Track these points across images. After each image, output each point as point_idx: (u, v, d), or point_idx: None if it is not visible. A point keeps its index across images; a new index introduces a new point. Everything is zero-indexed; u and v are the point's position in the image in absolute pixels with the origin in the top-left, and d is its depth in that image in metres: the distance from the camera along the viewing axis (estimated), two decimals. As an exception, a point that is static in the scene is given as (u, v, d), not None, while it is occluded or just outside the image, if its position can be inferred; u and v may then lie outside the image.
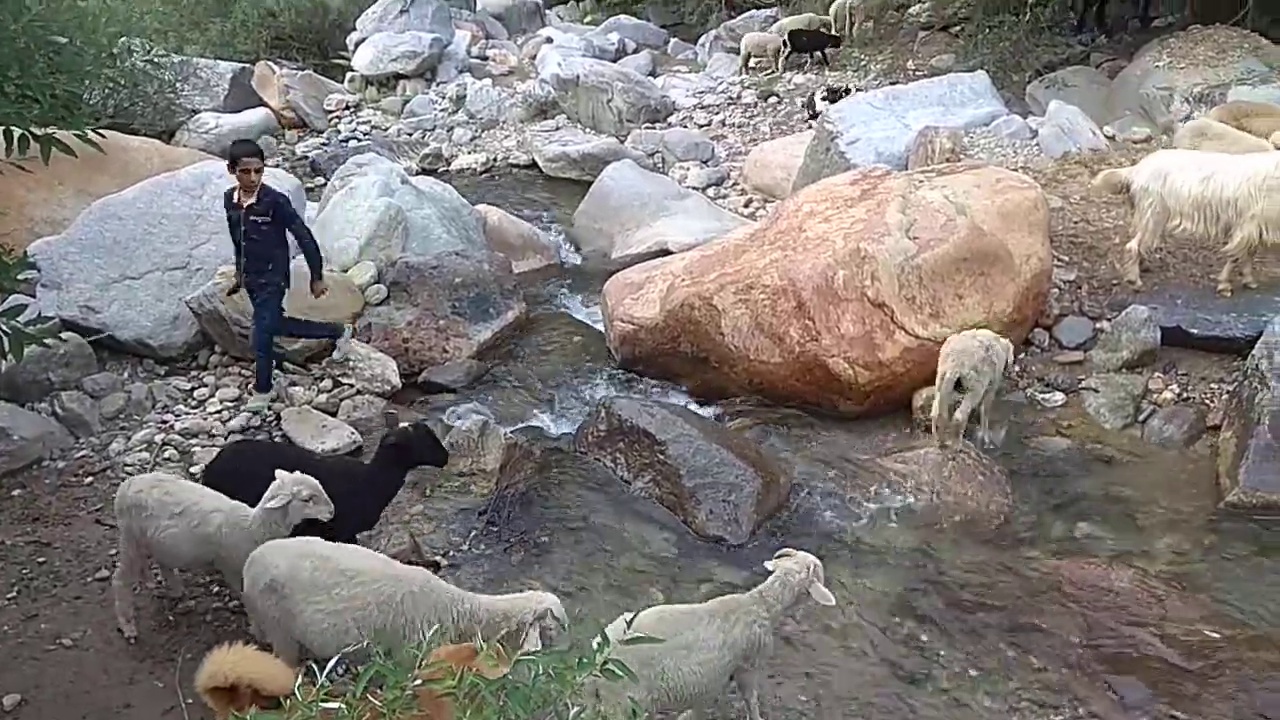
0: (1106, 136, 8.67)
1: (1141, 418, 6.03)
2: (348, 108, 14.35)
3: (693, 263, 7.27)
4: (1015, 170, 7.62)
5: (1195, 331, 6.28)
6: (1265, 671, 4.22)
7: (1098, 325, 6.61)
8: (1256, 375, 5.51)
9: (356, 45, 15.40)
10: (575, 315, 8.25)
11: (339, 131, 13.64)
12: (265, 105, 13.69)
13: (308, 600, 3.67)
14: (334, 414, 6.50)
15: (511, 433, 6.05)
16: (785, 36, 14.01)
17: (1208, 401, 6.01)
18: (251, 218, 6.09)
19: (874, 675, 4.30)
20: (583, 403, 6.80)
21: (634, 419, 5.86)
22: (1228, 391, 5.91)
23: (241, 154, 6.08)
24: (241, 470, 4.59)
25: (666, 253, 8.54)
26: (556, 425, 6.55)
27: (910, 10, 14.07)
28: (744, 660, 3.68)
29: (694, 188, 10.72)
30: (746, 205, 10.36)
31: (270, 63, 14.68)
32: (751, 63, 14.17)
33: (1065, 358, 6.51)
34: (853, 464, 5.94)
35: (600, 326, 7.69)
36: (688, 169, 11.38)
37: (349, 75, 15.07)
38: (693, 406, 6.67)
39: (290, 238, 6.36)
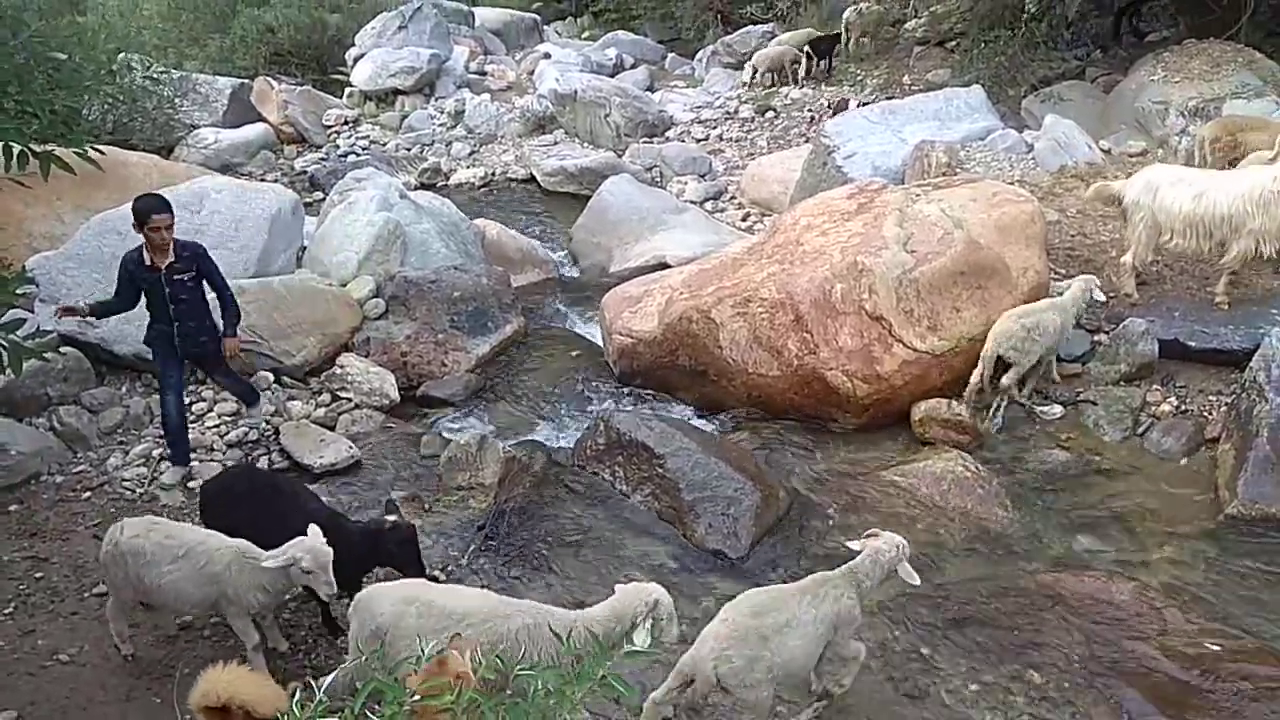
0: (1102, 150, 8.71)
1: (1140, 430, 6.03)
2: (346, 123, 14.40)
3: (691, 276, 7.29)
4: (1011, 184, 7.65)
5: (1193, 344, 6.29)
6: (1266, 685, 4.20)
7: (1095, 338, 6.62)
8: (1254, 388, 5.52)
9: (355, 61, 15.47)
10: (574, 329, 8.26)
11: (338, 146, 13.69)
12: (264, 120, 13.75)
13: (412, 647, 3.38)
14: (332, 428, 6.50)
15: (510, 446, 6.04)
16: (808, 47, 14.01)
17: (1206, 414, 6.01)
18: (176, 277, 5.53)
19: (874, 689, 4.28)
20: (581, 416, 6.79)
21: (633, 432, 5.86)
22: (1226, 404, 5.92)
23: (150, 210, 5.39)
24: (234, 501, 4.53)
25: (664, 266, 8.56)
26: (555, 439, 6.54)
27: (906, 25, 14.15)
28: (834, 632, 3.82)
29: (692, 202, 10.75)
30: (744, 219, 10.39)
31: (269, 78, 14.74)
32: (760, 78, 14.23)
33: (1063, 370, 6.52)
34: (852, 478, 5.93)
35: (599, 340, 7.70)
36: (685, 183, 11.42)
37: (348, 90, 15.13)
38: (692, 420, 6.67)
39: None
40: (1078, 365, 6.51)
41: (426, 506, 5.64)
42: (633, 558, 5.25)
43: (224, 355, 5.87)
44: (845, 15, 14.24)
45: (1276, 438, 5.28)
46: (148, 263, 5.50)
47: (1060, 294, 6.34)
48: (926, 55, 13.12)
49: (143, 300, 5.61)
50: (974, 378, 6.11)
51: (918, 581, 3.95)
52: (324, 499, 5.69)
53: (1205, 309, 6.52)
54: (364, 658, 3.60)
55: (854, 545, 3.99)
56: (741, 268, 7.04)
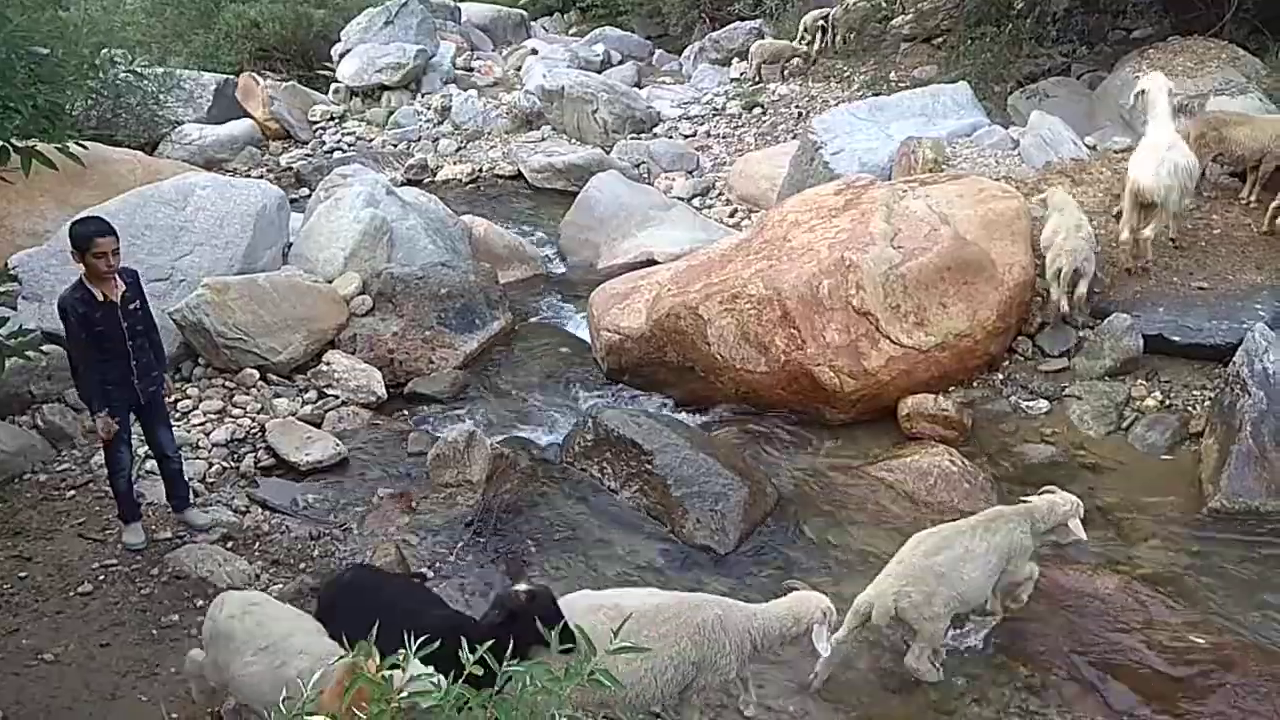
0: (1088, 147, 8.73)
1: (1125, 425, 6.07)
2: (332, 119, 14.33)
3: (678, 273, 7.29)
4: (997, 180, 7.67)
5: (1177, 339, 6.34)
6: (1250, 678, 4.25)
7: (1081, 333, 6.65)
8: (1238, 382, 5.56)
9: (341, 56, 15.37)
10: (562, 325, 8.26)
11: (323, 142, 13.63)
12: (249, 116, 13.67)
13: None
14: (319, 425, 6.47)
15: (498, 443, 6.03)
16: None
17: (1190, 408, 6.06)
18: (130, 307, 4.75)
19: (861, 684, 4.30)
20: (569, 413, 6.79)
21: (620, 429, 5.86)
22: (1210, 398, 5.96)
23: (94, 233, 4.58)
24: (354, 603, 3.83)
25: (652, 263, 8.55)
26: (543, 435, 6.54)
27: (893, 22, 14.15)
28: (1007, 561, 4.27)
29: (679, 198, 10.74)
30: (732, 215, 10.39)
31: (254, 74, 14.64)
32: (756, 71, 14.23)
33: (1049, 366, 6.55)
34: (839, 472, 5.96)
35: (586, 336, 7.69)
36: (673, 179, 11.41)
37: (333, 86, 15.05)
38: (680, 416, 6.68)
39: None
40: (1063, 360, 6.54)
41: (414, 504, 5.63)
42: (621, 553, 5.25)
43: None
44: (832, 12, 14.25)
45: (1259, 432, 5.33)
46: (99, 298, 4.65)
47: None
48: (913, 52, 13.13)
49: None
50: (1063, 306, 6.49)
51: (1084, 537, 4.43)
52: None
53: (1189, 304, 6.57)
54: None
55: (1031, 498, 4.49)
56: (729, 264, 7.04)
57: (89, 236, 4.59)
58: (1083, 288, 6.46)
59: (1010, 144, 8.85)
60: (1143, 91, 6.90)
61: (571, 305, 8.54)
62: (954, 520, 4.54)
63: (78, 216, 5.10)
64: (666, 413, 6.71)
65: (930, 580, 4.11)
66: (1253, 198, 7.40)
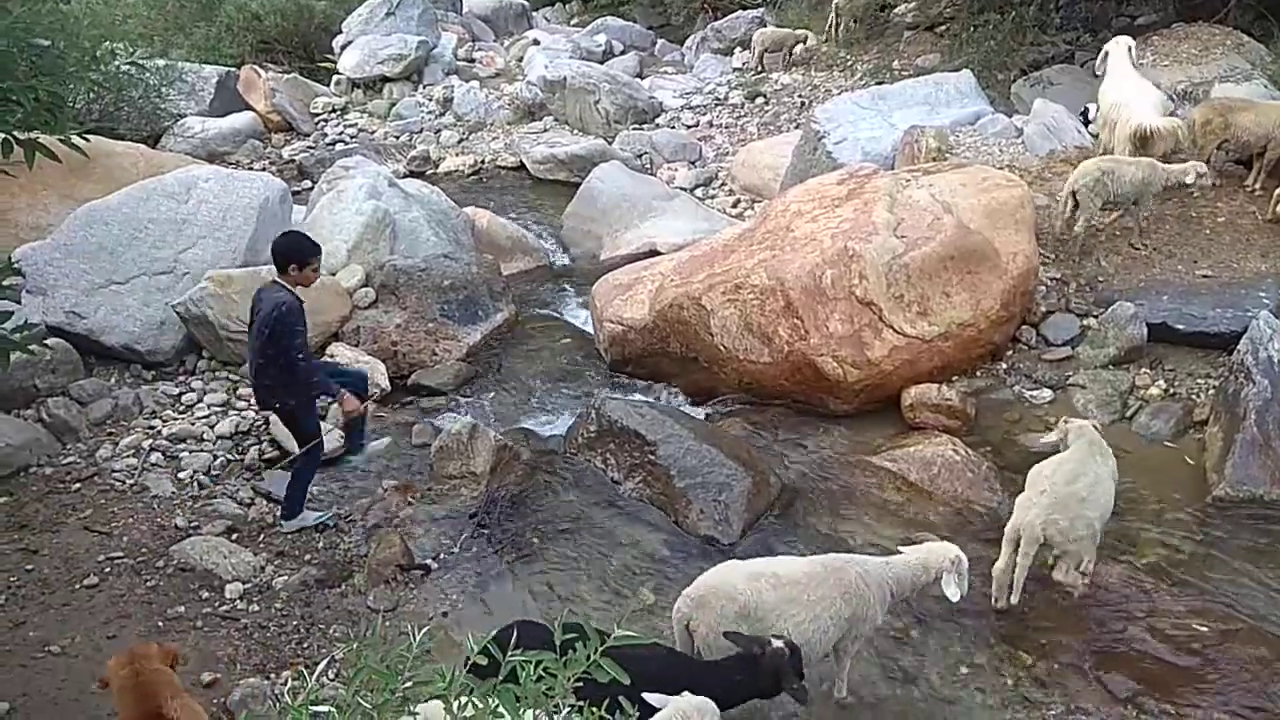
0: (1092, 135, 8.69)
1: (1129, 414, 6.06)
2: (334, 111, 14.29)
3: (681, 263, 7.28)
4: (1001, 169, 7.64)
5: (1181, 328, 6.32)
6: (1252, 666, 4.25)
7: (1084, 322, 6.64)
8: (1242, 370, 5.55)
9: (342, 48, 15.34)
10: (565, 317, 8.25)
11: (325, 135, 13.59)
12: (251, 109, 13.64)
13: (783, 617, 3.77)
14: (323, 418, 6.46)
15: (501, 435, 6.03)
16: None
17: (1194, 397, 6.04)
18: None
19: (866, 672, 4.31)
20: (573, 404, 6.79)
21: (624, 420, 5.86)
22: (1214, 387, 5.94)
23: (317, 251, 5.11)
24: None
25: (655, 254, 8.54)
26: (546, 427, 6.54)
27: (896, 10, 14.07)
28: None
29: (682, 188, 10.72)
30: (735, 205, 10.36)
31: (256, 66, 14.61)
32: (760, 59, 14.17)
33: (1053, 355, 6.53)
34: (843, 463, 5.96)
35: (589, 328, 7.69)
36: (676, 170, 11.38)
37: (335, 78, 15.02)
38: (683, 406, 6.68)
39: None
40: (1067, 349, 6.53)
41: (418, 495, 5.64)
42: (625, 544, 5.26)
43: None
44: (835, 1, 14.18)
45: (1264, 420, 5.32)
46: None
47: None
48: (916, 40, 13.07)
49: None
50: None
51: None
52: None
53: (1193, 292, 6.55)
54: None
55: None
56: (732, 254, 7.03)
57: (315, 253, 5.09)
58: (1079, 223, 6.61)
59: (1014, 132, 8.82)
60: (1106, 53, 8.06)
61: (574, 296, 8.53)
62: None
63: (289, 231, 5.50)
64: (670, 403, 6.71)
65: (1074, 505, 4.44)
66: (1257, 185, 7.37)
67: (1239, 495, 5.26)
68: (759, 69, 14.09)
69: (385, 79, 14.66)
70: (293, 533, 5.39)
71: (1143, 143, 7.31)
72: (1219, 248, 6.98)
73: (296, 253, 5.00)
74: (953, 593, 3.98)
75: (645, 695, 3.00)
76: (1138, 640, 4.40)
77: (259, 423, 6.38)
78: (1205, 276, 6.71)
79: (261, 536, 5.41)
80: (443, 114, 13.89)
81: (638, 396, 6.80)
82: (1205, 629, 4.45)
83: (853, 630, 3.93)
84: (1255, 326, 5.64)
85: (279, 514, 5.48)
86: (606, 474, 5.83)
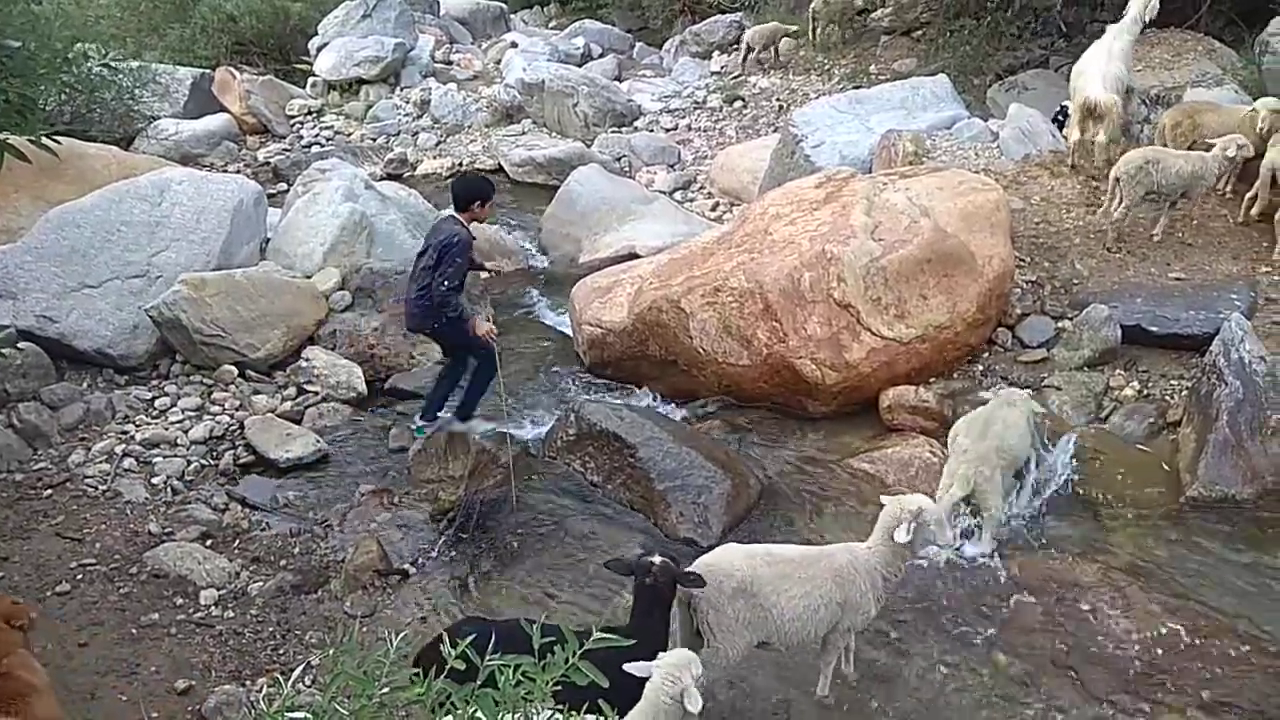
0: (1065, 137, 8.78)
1: (1103, 415, 6.11)
2: (310, 113, 14.21)
3: (660, 266, 7.28)
4: (977, 172, 7.70)
5: (1155, 329, 6.38)
6: (1226, 663, 4.29)
7: (1059, 324, 6.69)
8: (1214, 371, 5.61)
9: (318, 50, 15.25)
10: (543, 320, 8.23)
11: (301, 137, 13.52)
12: (226, 111, 13.55)
13: (778, 593, 3.84)
14: (299, 422, 6.44)
15: (480, 438, 6.01)
16: None
17: (1168, 398, 6.10)
18: None
19: (846, 672, 4.32)
20: (552, 407, 6.77)
21: (603, 423, 5.85)
22: (1187, 388, 6.00)
23: (493, 191, 5.89)
24: None
25: (634, 256, 8.54)
26: (525, 430, 6.51)
27: (872, 15, 14.16)
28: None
29: (661, 191, 10.72)
30: (714, 209, 10.38)
31: (230, 68, 14.51)
32: (756, 55, 14.22)
33: (1028, 357, 6.58)
34: (822, 465, 5.97)
35: (569, 330, 7.67)
36: (655, 173, 11.39)
37: (311, 80, 14.92)
38: (662, 409, 6.67)
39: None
40: (1042, 351, 6.58)
41: (396, 500, 5.61)
42: (604, 547, 5.24)
43: None
44: (812, 5, 14.26)
45: (1236, 421, 5.37)
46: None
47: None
48: (893, 45, 13.16)
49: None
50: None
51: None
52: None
53: (1166, 295, 6.61)
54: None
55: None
56: (711, 257, 7.04)
57: (493, 191, 5.81)
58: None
59: (990, 136, 8.89)
60: None
61: (553, 299, 8.51)
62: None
63: (466, 173, 6.78)
64: (649, 406, 6.71)
65: (993, 457, 4.97)
66: (1227, 188, 7.47)
67: (1212, 495, 5.31)
68: (756, 65, 14.12)
69: (362, 81, 14.60)
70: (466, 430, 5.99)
71: (1090, 115, 7.70)
72: (1191, 250, 7.07)
73: (479, 191, 5.68)
74: (901, 535, 3.83)
75: (627, 668, 3.07)
76: (1113, 639, 4.44)
77: (234, 427, 6.32)
78: (1178, 279, 6.79)
79: (237, 542, 5.36)
80: (420, 116, 13.84)
81: (617, 399, 6.78)
82: (1180, 627, 4.49)
83: (844, 619, 3.96)
84: (1227, 328, 5.70)
85: (454, 416, 6.07)
86: (586, 477, 5.82)
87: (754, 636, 3.87)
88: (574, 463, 5.89)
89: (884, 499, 4.08)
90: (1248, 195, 7.16)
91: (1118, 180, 7.00)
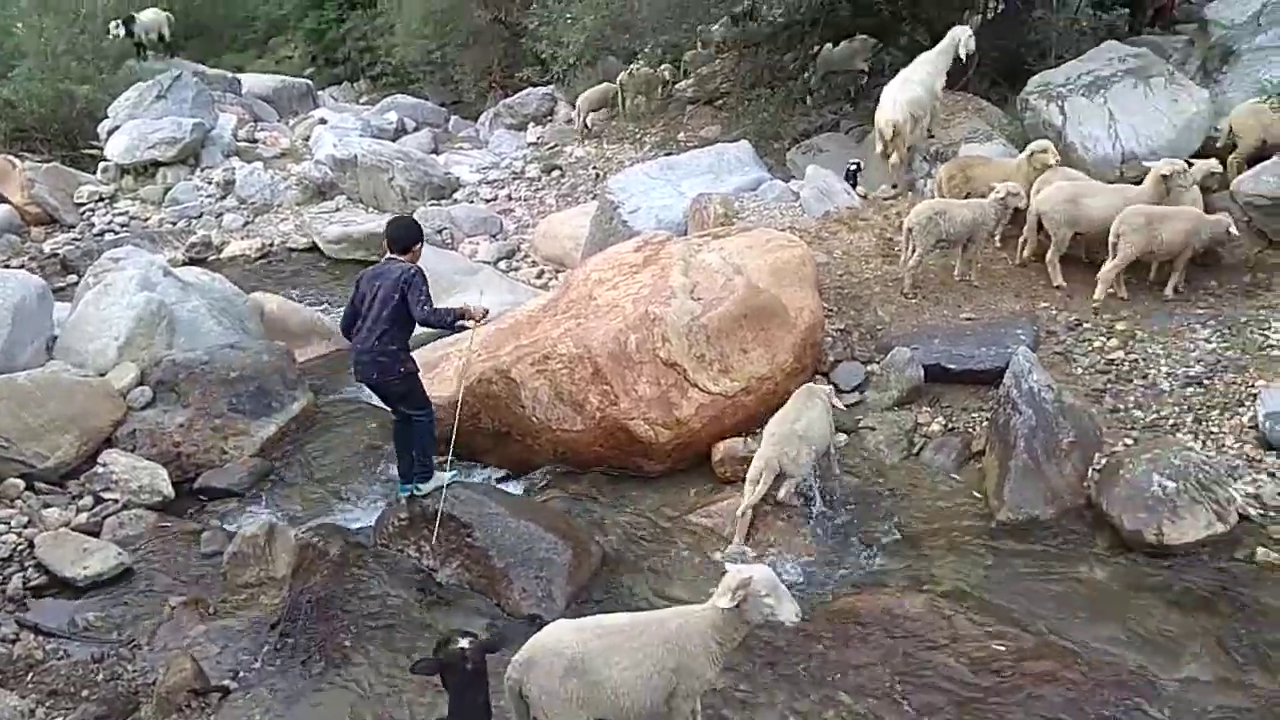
0: (860, 195, 9.42)
1: (916, 450, 6.47)
2: (101, 199, 13.38)
3: (487, 337, 7.19)
4: (783, 230, 8.11)
5: (953, 367, 6.85)
6: (1046, 679, 4.55)
7: (869, 368, 7.08)
8: (1009, 402, 6.06)
9: (109, 134, 14.42)
10: (369, 401, 7.89)
11: (93, 225, 12.70)
12: (6, 202, 12.61)
13: (610, 665, 3.76)
14: (97, 534, 5.90)
15: (303, 533, 5.67)
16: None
17: (971, 430, 6.54)
18: None
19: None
20: (381, 493, 6.50)
21: (436, 504, 5.67)
22: (987, 419, 6.45)
23: (421, 234, 5.89)
24: None
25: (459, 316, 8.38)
26: (354, 519, 6.22)
27: (678, 85, 14.82)
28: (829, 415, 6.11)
29: (485, 262, 10.69)
30: (539, 276, 10.42)
31: (10, 156, 13.50)
32: (589, 120, 14.45)
33: (844, 400, 6.88)
34: (661, 524, 6.01)
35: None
36: (477, 243, 11.35)
37: (102, 165, 14.07)
38: (499, 483, 6.55)
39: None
40: (856, 394, 6.92)
41: (211, 609, 5.18)
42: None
43: None
44: (620, 77, 14.77)
45: (1032, 446, 5.81)
46: None
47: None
48: (698, 113, 13.78)
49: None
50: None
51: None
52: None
53: (960, 334, 7.14)
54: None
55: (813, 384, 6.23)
56: (538, 325, 7.04)
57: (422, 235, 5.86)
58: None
59: (792, 196, 9.41)
60: None
61: (373, 382, 8.21)
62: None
63: (401, 217, 6.35)
64: (485, 481, 6.56)
65: (795, 440, 5.65)
66: (997, 236, 8.14)
67: (1019, 518, 5.69)
68: (585, 128, 14.39)
69: (158, 163, 13.89)
70: (412, 495, 5.76)
71: (882, 138, 8.88)
72: (979, 292, 7.69)
73: (419, 232, 5.80)
74: (723, 603, 3.81)
75: None
76: (943, 666, 4.63)
77: (22, 547, 5.71)
78: (969, 319, 7.35)
79: (30, 676, 4.81)
80: (224, 197, 13.29)
81: (451, 477, 6.58)
82: (1002, 648, 4.73)
83: (681, 685, 3.90)
84: (1016, 361, 6.18)
85: (415, 483, 5.77)
86: (422, 562, 5.59)
87: (590, 715, 3.79)
88: (408, 549, 5.66)
89: (727, 566, 4.08)
90: (1020, 239, 7.88)
91: (910, 231, 7.54)
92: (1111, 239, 7.08)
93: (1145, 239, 6.99)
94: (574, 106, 14.92)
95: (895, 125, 8.81)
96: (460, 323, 5.70)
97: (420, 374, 5.78)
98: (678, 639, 3.88)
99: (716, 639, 3.93)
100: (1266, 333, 6.67)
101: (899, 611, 4.97)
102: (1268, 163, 7.35)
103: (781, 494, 5.73)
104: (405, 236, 5.70)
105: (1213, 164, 7.56)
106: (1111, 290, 7.26)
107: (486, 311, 5.82)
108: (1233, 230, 7.02)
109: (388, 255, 5.68)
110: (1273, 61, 8.56)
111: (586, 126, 14.49)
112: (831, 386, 6.56)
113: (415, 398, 5.75)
